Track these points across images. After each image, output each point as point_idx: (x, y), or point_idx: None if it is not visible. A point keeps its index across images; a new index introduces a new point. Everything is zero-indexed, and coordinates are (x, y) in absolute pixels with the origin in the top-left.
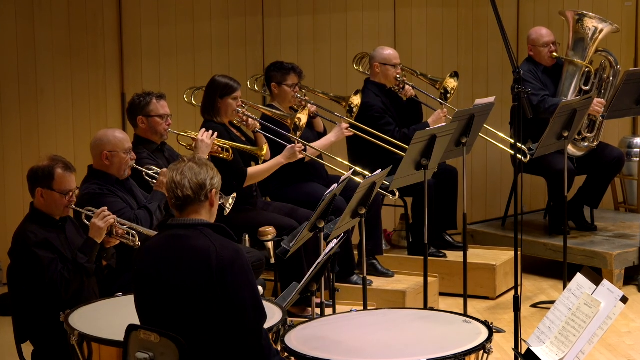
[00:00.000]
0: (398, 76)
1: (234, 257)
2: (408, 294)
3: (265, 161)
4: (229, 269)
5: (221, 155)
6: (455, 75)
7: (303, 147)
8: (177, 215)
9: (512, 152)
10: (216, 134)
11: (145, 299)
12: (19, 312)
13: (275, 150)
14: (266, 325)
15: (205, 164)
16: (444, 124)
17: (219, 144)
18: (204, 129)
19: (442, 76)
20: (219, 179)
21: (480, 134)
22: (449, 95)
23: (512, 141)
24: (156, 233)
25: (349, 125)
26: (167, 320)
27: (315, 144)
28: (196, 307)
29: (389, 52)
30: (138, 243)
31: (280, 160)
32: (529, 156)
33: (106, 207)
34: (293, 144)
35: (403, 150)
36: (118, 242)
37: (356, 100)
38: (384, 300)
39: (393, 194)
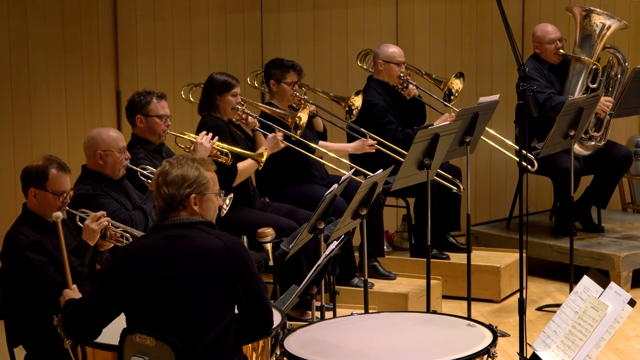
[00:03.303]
0: (402, 75)
1: (241, 249)
2: (410, 297)
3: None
4: (241, 261)
5: (220, 159)
6: (460, 75)
7: (283, 135)
8: (168, 217)
9: (517, 159)
10: (216, 138)
11: (142, 300)
12: (11, 316)
13: (282, 149)
14: None
15: (180, 171)
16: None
17: (218, 147)
18: (203, 132)
19: (445, 73)
20: (204, 181)
21: (484, 138)
22: (452, 97)
23: (517, 147)
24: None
25: (375, 143)
26: (169, 323)
27: (329, 146)
28: (212, 305)
29: (393, 49)
30: None
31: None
32: (536, 165)
33: (101, 211)
34: (274, 133)
35: (404, 155)
36: (112, 245)
37: (357, 101)
38: (385, 303)
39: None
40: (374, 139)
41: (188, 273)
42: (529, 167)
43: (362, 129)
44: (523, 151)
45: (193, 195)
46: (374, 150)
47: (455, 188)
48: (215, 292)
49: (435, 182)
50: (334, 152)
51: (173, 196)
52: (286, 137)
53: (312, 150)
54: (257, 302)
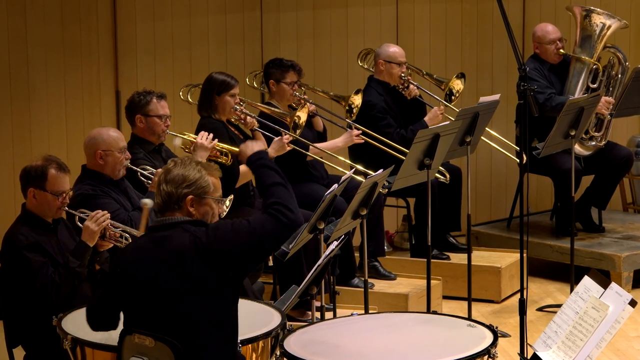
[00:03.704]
0: (403, 75)
1: (209, 230)
2: (410, 297)
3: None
4: (212, 246)
5: (220, 160)
6: (462, 76)
7: (291, 138)
8: (163, 216)
9: (518, 160)
10: (216, 140)
11: (135, 302)
12: (10, 316)
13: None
14: (265, 329)
15: (182, 171)
16: (441, 121)
17: (218, 147)
18: (203, 132)
19: (446, 73)
20: (204, 184)
21: (484, 139)
22: (453, 97)
23: (518, 148)
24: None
25: (360, 133)
26: (159, 324)
27: (320, 146)
28: (198, 304)
29: (394, 49)
30: None
31: (270, 154)
32: (524, 158)
33: (100, 210)
34: (280, 136)
35: (405, 154)
36: (111, 245)
37: (357, 100)
38: (385, 303)
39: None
40: (358, 128)
41: (167, 275)
42: (517, 160)
43: (358, 126)
44: (517, 147)
45: (190, 197)
46: (362, 141)
47: (442, 177)
48: (198, 290)
49: (435, 182)
50: (326, 150)
51: (170, 194)
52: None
53: (306, 149)
54: (260, 241)
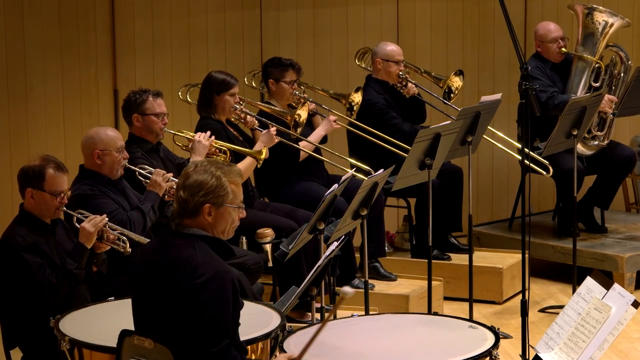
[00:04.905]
0: (401, 73)
1: (212, 277)
2: (411, 299)
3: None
4: (202, 288)
5: (218, 158)
6: (460, 73)
7: (277, 130)
8: (181, 222)
9: (520, 158)
10: (213, 137)
11: (138, 301)
12: (8, 318)
13: (275, 147)
14: (265, 330)
15: (200, 177)
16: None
17: (216, 145)
18: (202, 133)
19: (447, 72)
20: (222, 192)
21: (486, 137)
22: (452, 95)
23: (520, 146)
24: (147, 240)
25: (337, 118)
26: (158, 325)
27: (309, 139)
28: (175, 316)
29: (391, 47)
30: (129, 249)
31: (259, 146)
32: (551, 170)
33: (98, 216)
34: (268, 129)
35: (404, 150)
36: (109, 247)
37: (357, 98)
38: (386, 304)
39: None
40: (334, 114)
41: (161, 282)
42: (544, 172)
43: (334, 112)
44: (539, 157)
45: (207, 205)
46: (339, 127)
47: None
48: (182, 299)
49: (436, 182)
50: (313, 142)
51: (187, 201)
52: (284, 135)
53: (297, 151)
54: (202, 329)
